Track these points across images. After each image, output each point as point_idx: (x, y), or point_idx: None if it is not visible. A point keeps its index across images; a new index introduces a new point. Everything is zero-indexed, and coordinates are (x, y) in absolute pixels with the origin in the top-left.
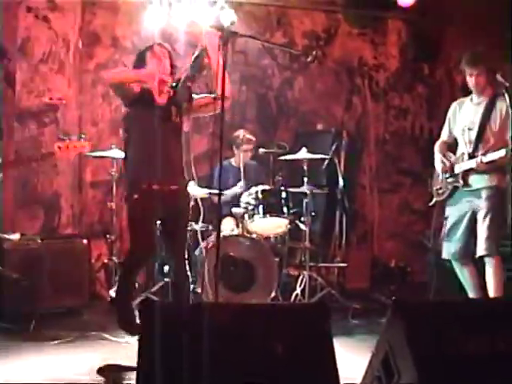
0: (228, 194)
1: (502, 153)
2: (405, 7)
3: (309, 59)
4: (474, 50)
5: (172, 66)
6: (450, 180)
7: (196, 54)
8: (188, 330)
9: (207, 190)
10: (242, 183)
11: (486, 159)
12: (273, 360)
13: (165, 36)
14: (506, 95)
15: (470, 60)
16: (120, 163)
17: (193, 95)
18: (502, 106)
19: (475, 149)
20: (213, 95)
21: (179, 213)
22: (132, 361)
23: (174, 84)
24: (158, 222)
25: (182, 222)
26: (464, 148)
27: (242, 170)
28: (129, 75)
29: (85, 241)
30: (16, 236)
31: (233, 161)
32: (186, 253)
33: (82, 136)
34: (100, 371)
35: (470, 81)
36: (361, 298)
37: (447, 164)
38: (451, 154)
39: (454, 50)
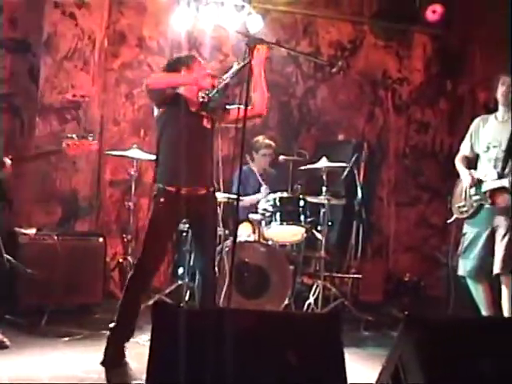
0: (247, 199)
1: None
2: (431, 22)
3: (334, 70)
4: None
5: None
6: (475, 198)
7: (238, 65)
8: (200, 335)
9: (226, 195)
10: (264, 188)
11: None
12: (284, 368)
13: (190, 39)
14: None
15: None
16: (139, 163)
17: (227, 106)
18: None
19: (504, 168)
20: (249, 107)
21: (207, 216)
22: (141, 360)
23: (210, 92)
24: (186, 226)
25: (209, 225)
26: (488, 165)
27: (259, 175)
28: (174, 80)
29: (101, 239)
30: (32, 231)
31: (252, 166)
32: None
33: (90, 136)
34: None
35: (503, 91)
36: (373, 310)
37: (475, 180)
38: (474, 171)
39: (478, 66)
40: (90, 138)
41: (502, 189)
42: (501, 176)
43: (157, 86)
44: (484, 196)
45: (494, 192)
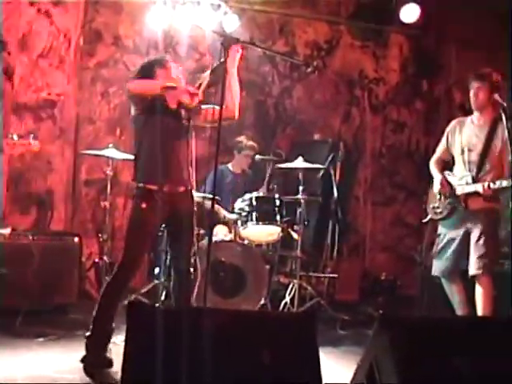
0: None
1: (510, 182)
2: (407, 22)
3: (309, 70)
4: (483, 68)
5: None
6: (449, 200)
7: (215, 66)
8: (175, 335)
9: (202, 194)
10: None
11: (494, 186)
12: (259, 367)
13: (166, 38)
14: (504, 117)
15: (476, 74)
16: (115, 163)
17: (202, 106)
18: (502, 129)
19: (478, 172)
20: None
21: (184, 215)
22: (117, 360)
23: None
24: (163, 225)
25: (187, 224)
26: (463, 168)
27: (237, 175)
28: (156, 87)
29: (76, 239)
30: (6, 230)
31: (230, 166)
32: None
33: (31, 135)
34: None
35: (472, 95)
36: (349, 309)
37: (447, 187)
38: (449, 173)
39: (454, 67)
40: (31, 138)
41: (475, 193)
42: (475, 180)
43: (139, 92)
44: (458, 199)
45: (467, 196)
